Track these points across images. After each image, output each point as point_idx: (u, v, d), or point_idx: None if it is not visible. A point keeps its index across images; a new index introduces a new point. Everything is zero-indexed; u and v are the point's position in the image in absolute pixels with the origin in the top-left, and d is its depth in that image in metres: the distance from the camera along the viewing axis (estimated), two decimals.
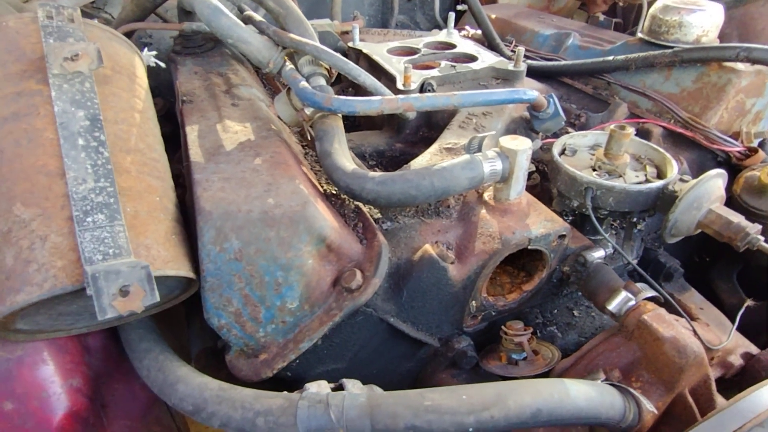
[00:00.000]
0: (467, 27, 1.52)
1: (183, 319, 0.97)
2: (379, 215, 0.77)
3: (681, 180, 0.77)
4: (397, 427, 0.51)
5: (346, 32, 1.33)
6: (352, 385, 0.57)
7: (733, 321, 0.85)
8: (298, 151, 0.87)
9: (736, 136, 0.97)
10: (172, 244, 0.60)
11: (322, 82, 0.83)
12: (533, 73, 1.24)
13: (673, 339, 0.65)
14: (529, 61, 1.25)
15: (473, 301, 0.76)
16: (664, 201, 0.76)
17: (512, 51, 1.33)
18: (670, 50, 1.03)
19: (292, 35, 0.85)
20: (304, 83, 0.78)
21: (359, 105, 0.75)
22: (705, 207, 0.74)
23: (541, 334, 0.85)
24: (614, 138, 0.80)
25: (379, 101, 0.76)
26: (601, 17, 1.58)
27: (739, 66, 0.98)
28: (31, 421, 0.64)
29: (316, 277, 0.65)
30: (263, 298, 0.64)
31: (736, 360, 0.85)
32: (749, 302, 0.91)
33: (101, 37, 0.69)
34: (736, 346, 0.86)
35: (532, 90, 0.88)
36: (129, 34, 1.05)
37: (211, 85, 1.00)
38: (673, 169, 0.80)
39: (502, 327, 0.78)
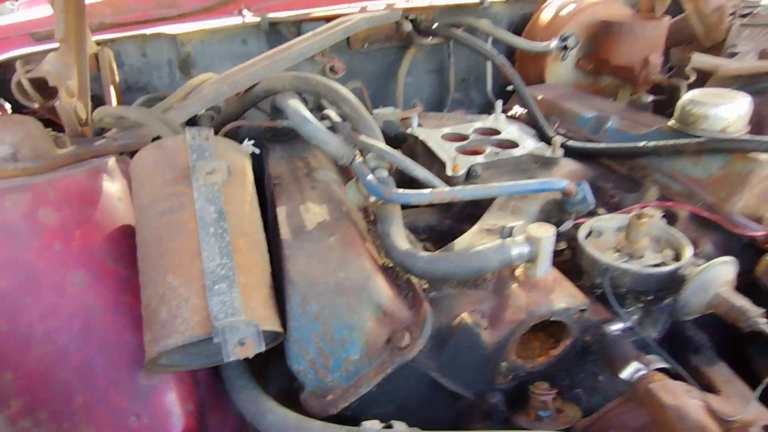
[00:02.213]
0: (516, 107, 1.71)
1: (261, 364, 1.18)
2: (426, 285, 0.95)
3: (694, 264, 0.88)
4: None
5: (406, 118, 1.56)
6: (399, 425, 0.73)
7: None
8: (363, 227, 1.07)
9: (759, 220, 1.05)
10: (269, 306, 0.81)
11: (385, 174, 1.03)
12: (573, 152, 1.39)
13: (675, 407, 0.75)
14: (571, 142, 1.40)
15: (504, 362, 0.90)
16: (675, 283, 0.87)
17: (555, 132, 1.49)
18: (696, 140, 1.15)
19: (362, 137, 1.07)
20: (370, 176, 0.99)
21: (413, 197, 0.95)
22: (712, 291, 0.85)
23: (567, 395, 0.96)
24: (633, 225, 0.93)
25: (429, 194, 0.95)
26: (645, 98, 1.70)
27: (762, 156, 1.07)
28: (147, 428, 0.85)
29: (373, 336, 0.83)
30: (333, 351, 0.82)
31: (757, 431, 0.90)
32: None
33: (225, 148, 0.95)
34: (758, 418, 0.91)
35: (562, 180, 1.03)
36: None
37: (295, 169, 1.25)
38: (687, 254, 0.91)
39: (530, 387, 0.91)
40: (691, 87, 1.58)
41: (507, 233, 0.90)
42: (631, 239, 0.94)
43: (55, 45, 1.17)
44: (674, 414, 0.75)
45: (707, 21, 1.72)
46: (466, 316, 0.87)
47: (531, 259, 0.89)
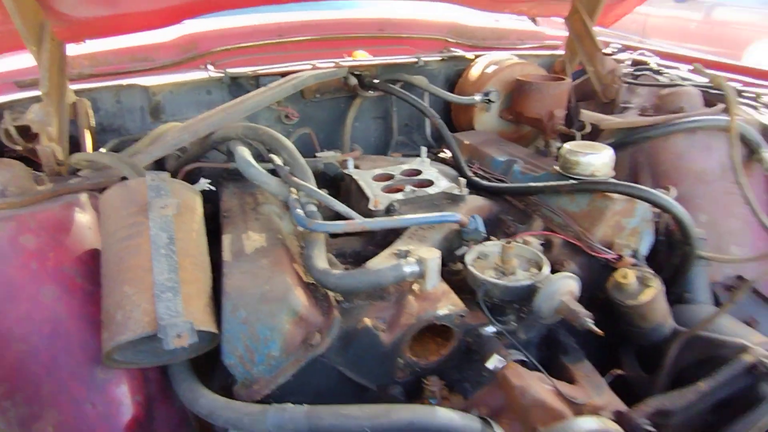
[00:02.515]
0: (445, 150, 1.99)
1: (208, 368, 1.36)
2: (341, 298, 1.17)
3: (546, 279, 1.13)
4: (321, 423, 0.87)
5: (346, 160, 1.81)
6: (291, 405, 0.94)
7: (623, 392, 1.14)
8: (296, 252, 1.29)
9: (610, 246, 1.32)
10: (207, 312, 1.02)
11: (314, 209, 1.26)
12: (483, 190, 1.65)
13: (520, 387, 0.98)
14: (485, 182, 1.67)
15: (400, 359, 1.12)
16: (531, 294, 1.12)
17: (473, 173, 1.76)
18: (570, 182, 1.42)
19: (295, 179, 1.31)
20: (298, 210, 1.22)
21: (329, 227, 1.18)
22: (557, 299, 1.09)
23: (456, 387, 1.18)
24: (504, 249, 1.18)
25: (344, 224, 1.19)
26: (554, 144, 2.00)
27: (616, 196, 1.35)
28: (107, 420, 1.03)
29: (290, 336, 1.04)
30: (257, 348, 1.03)
31: (607, 415, 1.13)
32: (616, 371, 1.20)
33: (178, 188, 1.18)
34: (608, 404, 1.14)
35: (456, 214, 1.29)
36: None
37: (244, 203, 1.47)
38: (545, 271, 1.16)
39: (423, 380, 1.13)
40: (584, 137, 1.90)
41: (403, 255, 1.13)
42: (504, 260, 1.19)
43: (37, 92, 1.39)
44: (519, 392, 0.98)
45: (603, 81, 2.05)
46: (367, 321, 1.09)
47: (421, 276, 1.12)
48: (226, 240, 1.25)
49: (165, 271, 0.99)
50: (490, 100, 2.12)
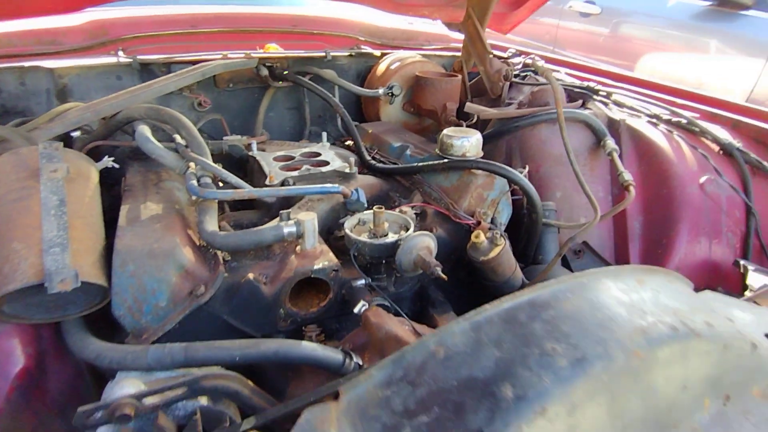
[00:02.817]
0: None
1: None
2: (229, 257, 1.30)
3: (407, 237, 1.32)
4: (197, 355, 1.00)
5: (250, 143, 1.94)
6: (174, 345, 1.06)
7: None
8: (192, 221, 1.40)
9: (472, 215, 1.54)
10: (95, 267, 1.11)
11: (208, 180, 1.39)
12: (378, 171, 1.84)
13: (377, 323, 1.15)
14: (379, 164, 1.86)
15: (281, 310, 1.26)
16: (395, 250, 1.30)
17: (372, 158, 1.94)
18: (442, 161, 1.64)
19: (192, 153, 1.42)
20: (192, 181, 1.34)
21: (219, 194, 1.31)
22: (415, 253, 1.28)
23: (336, 335, 1.34)
24: (375, 214, 1.36)
25: (232, 192, 1.32)
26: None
27: (479, 172, 1.58)
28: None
29: (177, 288, 1.16)
30: (145, 299, 1.14)
31: None
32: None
33: (73, 157, 1.26)
34: None
35: (338, 186, 1.45)
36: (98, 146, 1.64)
37: (147, 180, 1.56)
38: (410, 231, 1.35)
39: (303, 328, 1.28)
40: (472, 127, 2.14)
41: (285, 218, 1.29)
42: (376, 224, 1.37)
43: None
44: (376, 328, 1.15)
45: (491, 80, 2.31)
46: (250, 275, 1.23)
47: (300, 236, 1.27)
48: (124, 210, 1.34)
49: (54, 229, 1.08)
50: (392, 94, 2.32)
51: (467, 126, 2.15)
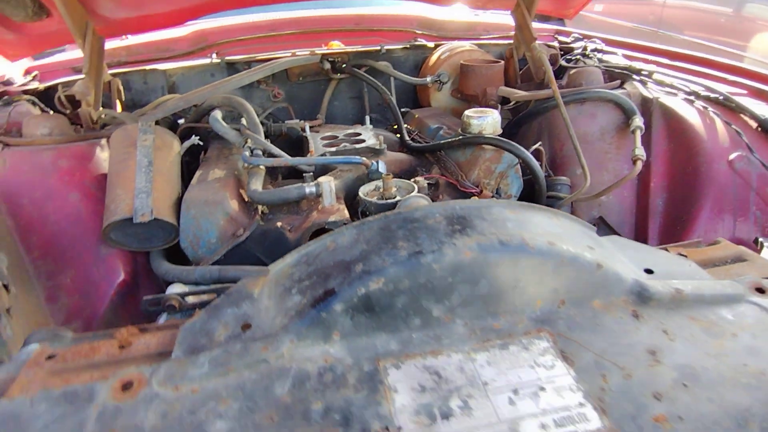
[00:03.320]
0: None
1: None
2: (267, 211, 1.65)
3: (405, 198, 1.55)
4: (227, 274, 1.35)
5: (311, 126, 2.29)
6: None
7: None
8: (245, 183, 1.78)
9: (478, 185, 1.71)
10: (169, 210, 1.53)
11: (259, 153, 1.76)
12: (411, 149, 2.08)
13: None
14: (414, 144, 2.10)
15: None
16: (395, 208, 1.54)
17: (411, 139, 2.18)
18: (457, 138, 1.82)
19: (248, 131, 1.80)
20: (245, 153, 1.72)
21: (262, 161, 1.66)
22: None
23: None
24: (384, 180, 1.61)
25: (272, 160, 1.67)
26: None
27: (487, 147, 1.74)
28: (105, 279, 1.56)
29: (224, 229, 1.53)
30: (201, 236, 1.53)
31: None
32: None
33: (161, 132, 1.70)
34: None
35: (360, 157, 1.73)
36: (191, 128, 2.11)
37: (221, 154, 1.98)
38: (411, 194, 1.58)
39: None
40: (511, 110, 2.27)
41: (309, 180, 1.60)
42: (385, 188, 1.62)
43: (83, 76, 1.98)
44: None
45: (536, 65, 2.40)
46: (279, 224, 1.56)
47: (319, 195, 1.58)
48: (197, 174, 1.76)
49: (143, 182, 1.52)
50: (440, 81, 2.53)
51: (506, 109, 2.28)
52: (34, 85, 2.34)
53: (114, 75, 2.31)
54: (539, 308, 0.79)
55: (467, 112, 1.87)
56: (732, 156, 1.67)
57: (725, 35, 5.66)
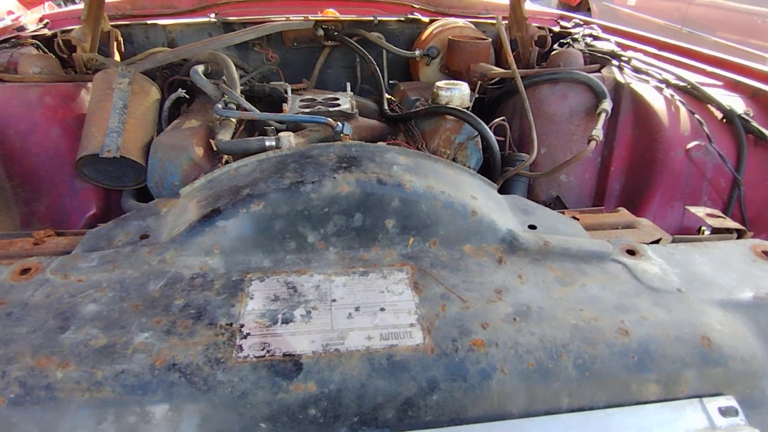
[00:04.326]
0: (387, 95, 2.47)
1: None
2: (232, 160, 1.73)
3: None
4: None
5: (295, 90, 2.36)
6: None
7: None
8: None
9: (437, 153, 1.76)
10: (137, 150, 1.64)
11: (233, 106, 1.84)
12: (386, 117, 2.14)
13: None
14: (390, 112, 2.15)
15: None
16: None
17: (390, 109, 2.24)
18: (421, 108, 1.87)
19: (224, 86, 1.88)
20: (218, 105, 1.80)
21: (231, 113, 1.75)
22: None
23: None
24: (342, 140, 1.68)
25: (240, 113, 1.75)
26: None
27: (449, 117, 1.79)
28: (77, 210, 1.69)
29: (187, 174, 1.63)
30: (166, 178, 1.63)
31: None
32: None
33: (140, 79, 1.80)
34: None
35: (325, 118, 1.79)
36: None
37: (202, 107, 2.08)
38: None
39: None
40: (491, 87, 2.29)
41: (271, 133, 1.68)
42: None
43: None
44: None
45: (524, 45, 2.41)
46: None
47: (279, 148, 1.66)
48: (174, 122, 1.86)
49: (116, 122, 1.62)
50: (428, 56, 2.56)
51: (489, 86, 2.30)
52: (44, 32, 2.46)
53: (116, 26, 2.42)
54: (411, 246, 0.85)
55: (438, 83, 1.91)
56: (690, 145, 1.67)
57: (759, 38, 5.45)
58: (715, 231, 1.00)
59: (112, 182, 1.71)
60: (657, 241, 0.96)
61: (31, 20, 2.58)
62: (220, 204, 0.84)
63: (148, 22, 2.58)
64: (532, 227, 0.95)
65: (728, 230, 0.99)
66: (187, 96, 2.06)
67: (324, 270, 0.81)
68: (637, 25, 6.61)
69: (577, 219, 1.01)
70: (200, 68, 1.98)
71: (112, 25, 2.38)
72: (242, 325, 0.70)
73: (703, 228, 1.52)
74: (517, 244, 0.87)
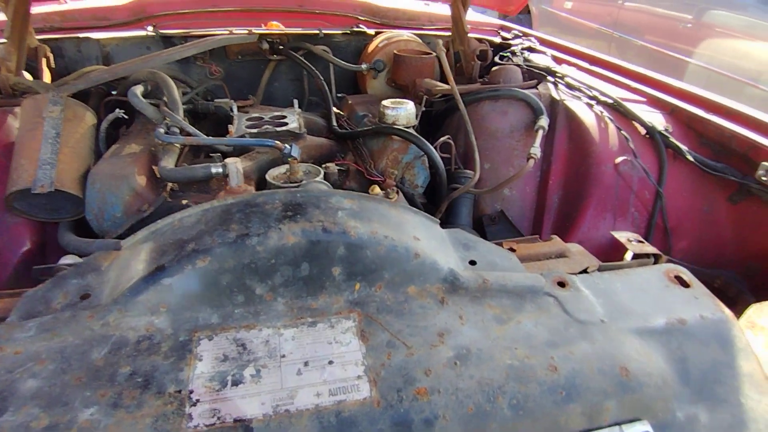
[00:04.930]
0: (335, 108, 2.48)
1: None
2: (178, 188, 1.70)
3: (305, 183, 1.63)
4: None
5: (241, 107, 2.33)
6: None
7: None
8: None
9: (384, 174, 1.80)
10: (74, 182, 1.57)
11: (176, 131, 1.80)
12: (336, 135, 2.15)
13: None
14: (340, 130, 2.17)
15: None
16: None
17: (339, 125, 2.25)
18: (369, 128, 1.90)
19: (166, 108, 1.83)
20: (160, 130, 1.75)
21: (174, 139, 1.70)
22: None
23: None
24: (291, 164, 1.69)
25: (183, 139, 1.71)
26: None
27: (396, 138, 1.83)
28: (9, 248, 1.60)
29: (129, 204, 1.58)
30: (106, 209, 1.57)
31: None
32: None
33: (73, 104, 1.72)
34: None
35: (273, 141, 1.79)
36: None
37: (143, 129, 2.01)
38: (317, 179, 1.66)
39: None
40: (436, 103, 2.35)
41: (218, 160, 1.66)
42: (291, 172, 1.69)
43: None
44: None
45: (466, 59, 2.48)
46: (185, 201, 1.62)
47: (226, 175, 1.64)
48: (112, 147, 1.80)
49: (48, 153, 1.55)
50: (375, 69, 2.59)
51: (434, 101, 2.36)
52: None
53: (45, 41, 2.29)
54: (357, 291, 0.88)
55: (384, 102, 1.94)
56: (618, 160, 1.80)
57: (682, 42, 5.84)
58: (636, 256, 1.09)
59: (48, 215, 1.63)
60: (585, 270, 1.04)
61: None
62: (165, 260, 0.83)
63: (80, 35, 2.46)
64: (472, 263, 1.00)
65: (647, 255, 1.09)
66: (125, 117, 1.99)
67: (273, 323, 0.83)
68: (574, 28, 6.92)
69: (514, 250, 1.08)
70: (139, 89, 1.91)
71: (39, 40, 2.25)
72: (191, 391, 0.70)
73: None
74: (458, 283, 0.92)
